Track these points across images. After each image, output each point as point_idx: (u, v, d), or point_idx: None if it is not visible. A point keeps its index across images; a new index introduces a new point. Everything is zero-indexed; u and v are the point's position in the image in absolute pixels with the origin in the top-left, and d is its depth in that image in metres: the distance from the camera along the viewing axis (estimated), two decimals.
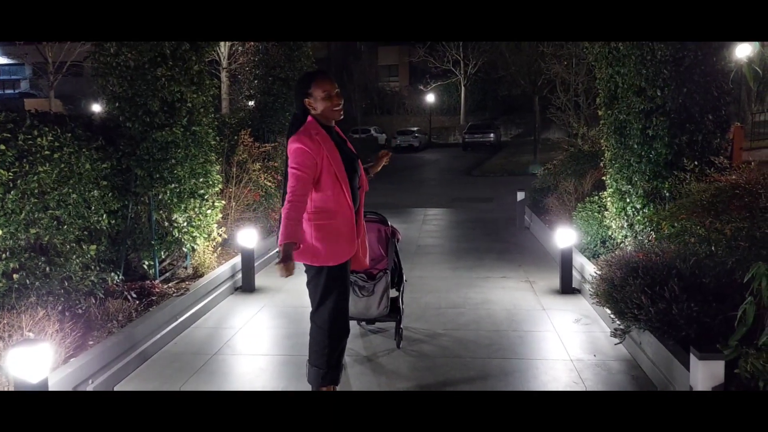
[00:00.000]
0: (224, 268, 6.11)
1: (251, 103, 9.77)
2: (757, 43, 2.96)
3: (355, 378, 3.98)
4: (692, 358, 2.83)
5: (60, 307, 4.22)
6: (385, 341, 4.64)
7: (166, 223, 5.72)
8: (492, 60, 31.62)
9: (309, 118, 3.25)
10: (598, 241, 6.43)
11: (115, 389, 3.88)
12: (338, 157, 3.22)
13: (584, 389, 3.76)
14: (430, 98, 38.15)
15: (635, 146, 5.21)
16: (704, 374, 2.75)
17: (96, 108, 16.77)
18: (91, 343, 4.09)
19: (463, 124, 36.89)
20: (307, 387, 3.52)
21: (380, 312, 4.36)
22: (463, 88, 38.00)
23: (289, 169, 3.17)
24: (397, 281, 4.60)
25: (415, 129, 36.19)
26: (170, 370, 4.20)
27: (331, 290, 3.30)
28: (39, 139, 4.32)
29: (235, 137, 7.85)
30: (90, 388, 3.66)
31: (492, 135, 32.50)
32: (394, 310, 4.50)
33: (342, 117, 3.31)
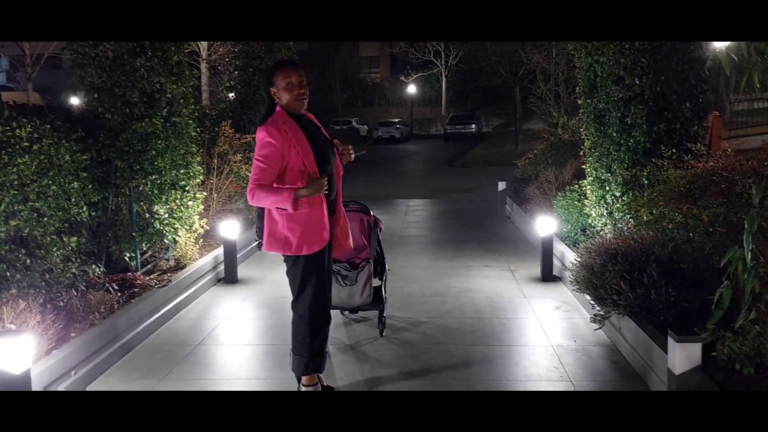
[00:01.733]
0: (206, 260, 6.09)
1: (231, 95, 9.69)
2: None
3: (339, 366, 4.00)
4: (670, 341, 2.89)
5: (41, 300, 4.17)
6: (368, 330, 4.67)
7: (147, 215, 5.68)
8: (473, 51, 31.72)
9: (277, 107, 3.25)
10: (578, 229, 6.51)
11: (99, 380, 3.86)
12: (307, 146, 3.18)
13: (564, 374, 3.82)
14: (412, 89, 38.14)
15: (614, 134, 5.28)
16: (681, 357, 2.82)
17: (75, 100, 16.51)
18: (73, 335, 4.06)
19: (445, 115, 36.98)
20: (291, 376, 3.53)
21: (363, 301, 4.38)
22: (444, 79, 38.06)
23: (254, 159, 3.20)
24: (379, 270, 4.62)
25: (397, 120, 36.17)
26: (153, 361, 4.19)
27: (308, 279, 3.30)
28: (18, 131, 4.26)
29: (216, 128, 7.80)
30: (72, 379, 3.64)
31: (473, 126, 32.62)
32: (377, 299, 4.53)
33: (304, 106, 3.26)
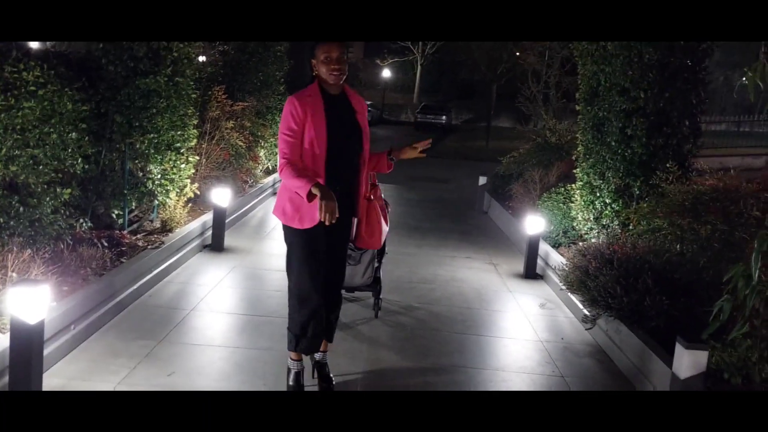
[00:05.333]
0: (195, 225, 6.02)
1: (202, 58, 9.35)
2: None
3: (338, 343, 4.02)
4: (678, 347, 3.05)
5: (33, 250, 4.06)
6: (362, 310, 4.72)
7: (140, 174, 5.57)
8: (452, 43, 31.78)
9: (315, 81, 3.20)
10: (561, 231, 6.70)
11: (95, 337, 3.80)
12: (323, 124, 3.09)
13: (556, 369, 3.98)
14: (386, 74, 38.00)
15: (613, 143, 5.45)
16: (688, 363, 2.98)
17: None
18: (65, 288, 3.97)
19: (416, 103, 37.02)
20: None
21: (364, 281, 4.43)
22: (419, 67, 38.07)
23: (279, 132, 3.15)
24: (380, 252, 4.67)
25: (369, 103, 36.04)
26: (149, 322, 4.15)
27: (294, 252, 3.25)
28: (24, 74, 4.10)
29: (209, 93, 7.65)
30: (71, 333, 3.58)
31: (444, 117, 32.76)
32: (376, 281, 4.58)
33: (338, 82, 3.14)
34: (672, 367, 3.12)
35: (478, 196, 10.01)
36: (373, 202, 3.55)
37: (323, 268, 3.25)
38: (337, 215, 2.85)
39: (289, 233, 3.26)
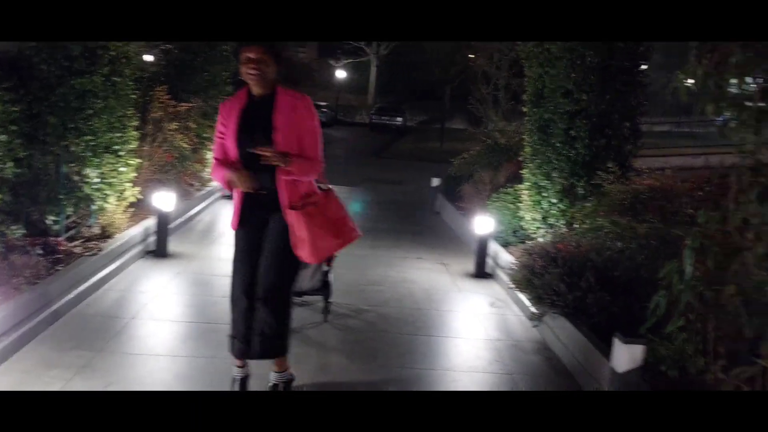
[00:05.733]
0: (136, 230, 5.83)
1: (148, 57, 9.13)
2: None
3: None
4: (616, 342, 3.12)
5: None
6: (312, 314, 4.65)
7: (77, 178, 5.35)
8: (406, 44, 31.92)
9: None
10: (510, 231, 6.77)
11: (29, 347, 3.62)
12: (233, 126, 3.11)
13: (504, 367, 4.01)
14: (341, 74, 37.89)
15: (557, 144, 5.55)
16: (626, 357, 3.05)
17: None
18: None
19: (371, 104, 37.04)
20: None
21: (312, 285, 4.38)
22: (374, 68, 38.10)
23: None
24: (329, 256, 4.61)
25: (324, 104, 35.84)
26: (86, 331, 3.98)
27: (234, 253, 3.28)
28: None
29: (150, 93, 7.44)
30: (3, 344, 3.40)
31: (399, 119, 32.87)
32: (325, 285, 4.52)
33: (258, 83, 3.08)
34: (610, 362, 3.19)
35: (431, 197, 10.06)
36: (309, 209, 3.16)
37: (253, 270, 3.17)
38: (256, 184, 3.04)
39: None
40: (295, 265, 3.26)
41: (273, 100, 3.15)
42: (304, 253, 3.16)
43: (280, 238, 3.17)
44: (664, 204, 3.92)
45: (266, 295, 3.14)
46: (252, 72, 3.06)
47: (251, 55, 3.06)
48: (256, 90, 3.15)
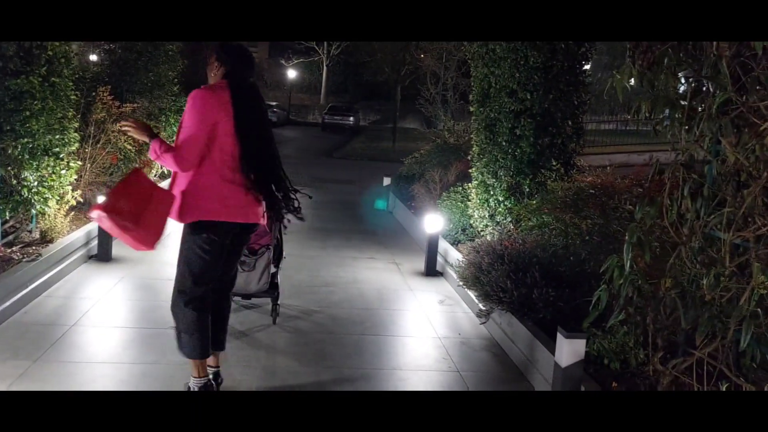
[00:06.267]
0: (78, 234, 5.64)
1: (93, 57, 8.93)
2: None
3: (233, 352, 3.91)
4: (559, 337, 3.19)
5: None
6: (260, 317, 4.60)
7: (14, 181, 5.14)
8: (356, 44, 31.91)
9: None
10: (459, 229, 6.86)
11: None
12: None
13: (452, 365, 4.05)
14: (292, 74, 37.59)
15: (503, 143, 5.64)
16: (568, 351, 3.12)
17: None
18: None
19: (323, 104, 36.88)
20: (182, 360, 3.30)
21: (260, 288, 4.33)
22: (325, 68, 37.94)
23: None
24: (277, 258, 4.58)
25: (275, 104, 35.46)
26: (23, 341, 3.83)
27: None
28: None
29: (93, 93, 7.21)
30: None
31: (352, 118, 32.83)
32: (273, 287, 4.48)
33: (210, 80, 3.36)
34: (554, 356, 3.26)
35: (382, 197, 10.08)
36: (159, 193, 3.13)
37: None
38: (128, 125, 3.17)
39: None
40: (183, 258, 3.17)
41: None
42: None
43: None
44: (606, 200, 4.04)
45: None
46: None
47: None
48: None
